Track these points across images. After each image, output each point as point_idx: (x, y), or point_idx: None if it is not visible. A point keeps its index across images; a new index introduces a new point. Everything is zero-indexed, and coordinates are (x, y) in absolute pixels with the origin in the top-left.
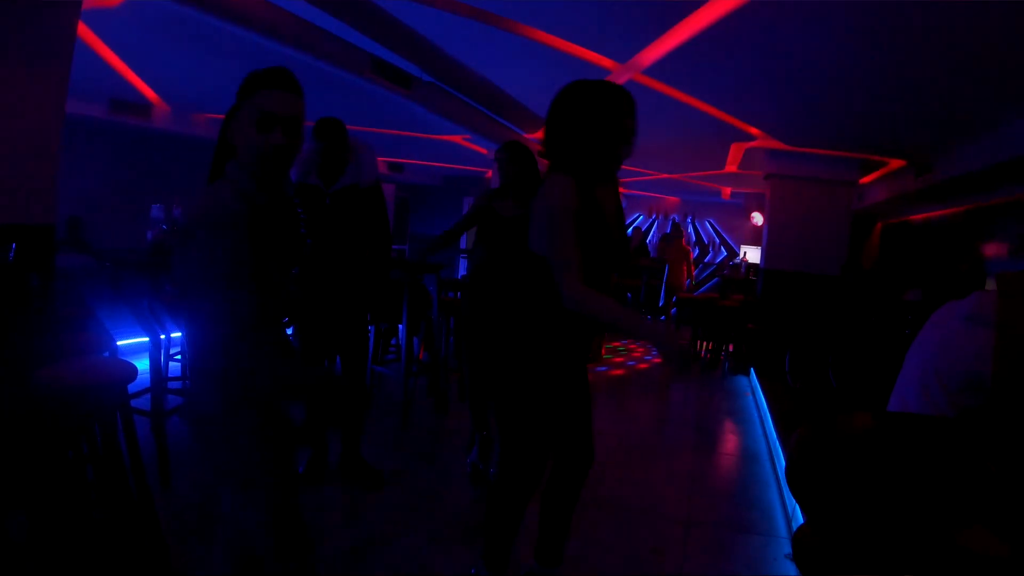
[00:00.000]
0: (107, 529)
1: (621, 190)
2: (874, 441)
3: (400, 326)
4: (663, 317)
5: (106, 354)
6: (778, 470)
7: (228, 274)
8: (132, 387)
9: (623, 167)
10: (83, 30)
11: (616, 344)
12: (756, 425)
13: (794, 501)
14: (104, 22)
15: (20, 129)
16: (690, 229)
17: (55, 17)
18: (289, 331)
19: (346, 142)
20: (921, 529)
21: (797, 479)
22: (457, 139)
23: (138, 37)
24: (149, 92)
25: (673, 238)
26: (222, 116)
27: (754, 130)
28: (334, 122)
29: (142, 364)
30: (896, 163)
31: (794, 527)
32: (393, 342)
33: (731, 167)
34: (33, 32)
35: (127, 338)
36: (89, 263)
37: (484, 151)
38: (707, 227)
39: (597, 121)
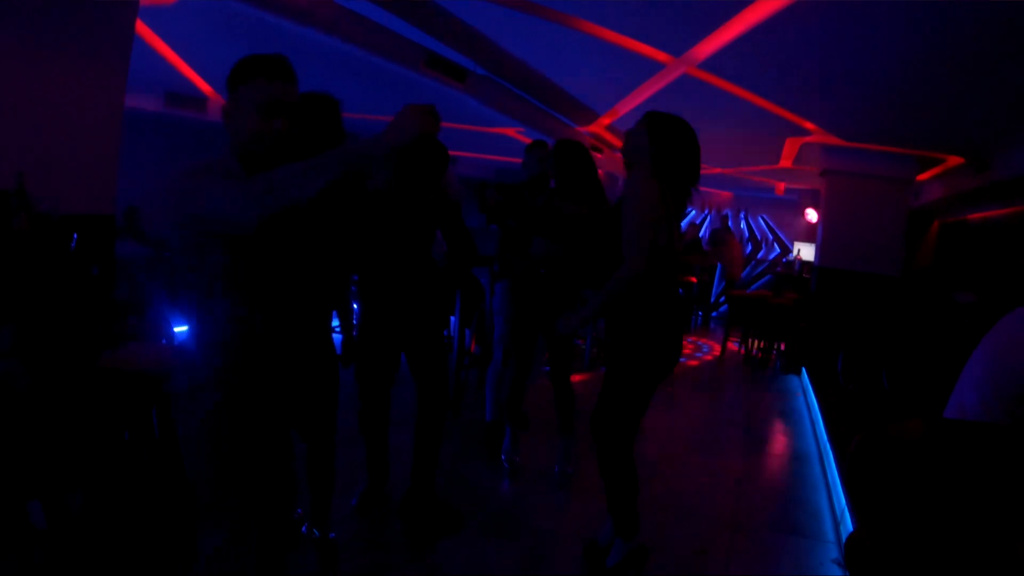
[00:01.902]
0: (160, 509)
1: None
2: (931, 448)
3: (452, 318)
4: (714, 314)
5: (164, 341)
6: (828, 472)
7: None
8: None
9: None
10: (140, 26)
11: None
12: (807, 426)
13: (843, 504)
14: (161, 18)
15: (81, 122)
16: (743, 225)
17: (114, 14)
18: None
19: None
20: (978, 538)
21: (856, 484)
22: (510, 132)
23: (194, 33)
24: (205, 86)
25: (725, 233)
26: None
27: (810, 125)
28: (443, 152)
29: None
30: (954, 160)
31: (842, 530)
32: (445, 334)
33: (785, 162)
34: (93, 29)
35: (184, 325)
36: (147, 252)
37: None
38: (760, 223)
39: None
